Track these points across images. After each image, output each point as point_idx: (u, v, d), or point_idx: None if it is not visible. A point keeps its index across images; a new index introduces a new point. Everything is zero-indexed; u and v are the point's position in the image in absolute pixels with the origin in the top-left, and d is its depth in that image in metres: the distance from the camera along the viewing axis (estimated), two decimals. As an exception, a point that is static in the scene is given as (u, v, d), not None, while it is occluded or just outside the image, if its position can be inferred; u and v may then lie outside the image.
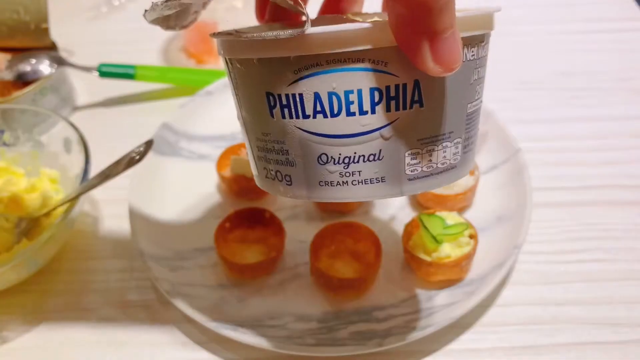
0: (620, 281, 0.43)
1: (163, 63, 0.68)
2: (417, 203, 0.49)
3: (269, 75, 0.25)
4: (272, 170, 0.28)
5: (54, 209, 0.46)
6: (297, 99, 0.24)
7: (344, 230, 0.44)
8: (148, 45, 0.70)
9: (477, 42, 0.25)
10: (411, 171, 0.26)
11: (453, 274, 0.42)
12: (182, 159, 0.54)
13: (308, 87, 0.24)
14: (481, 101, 0.28)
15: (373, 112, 0.24)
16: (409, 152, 0.25)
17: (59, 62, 0.59)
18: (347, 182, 0.26)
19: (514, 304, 0.42)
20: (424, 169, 0.26)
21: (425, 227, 0.42)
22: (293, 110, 0.25)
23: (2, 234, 0.44)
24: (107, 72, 0.61)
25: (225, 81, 0.59)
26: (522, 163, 0.48)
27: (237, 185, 0.49)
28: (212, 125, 0.56)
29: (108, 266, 0.47)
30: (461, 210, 0.47)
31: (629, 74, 0.61)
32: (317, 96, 0.24)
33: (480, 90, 0.27)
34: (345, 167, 0.25)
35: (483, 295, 0.40)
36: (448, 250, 0.41)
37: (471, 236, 0.42)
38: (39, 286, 0.46)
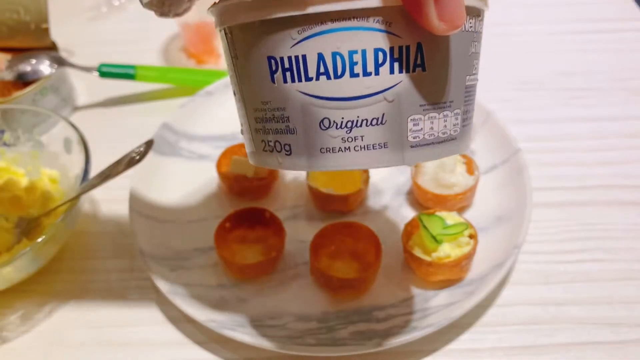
0: (620, 281, 0.43)
1: (163, 63, 0.68)
2: (417, 203, 0.49)
3: (272, 38, 0.25)
4: (270, 141, 0.27)
5: (54, 209, 0.46)
6: (300, 61, 0.24)
7: (344, 230, 0.44)
8: (148, 45, 0.70)
9: (474, 14, 0.26)
10: (413, 137, 0.25)
11: (453, 273, 0.42)
12: (182, 159, 0.54)
13: (312, 48, 0.24)
14: (477, 78, 0.28)
15: (377, 73, 0.24)
16: (412, 117, 0.25)
17: (59, 62, 0.59)
18: (349, 147, 0.25)
19: (514, 304, 0.42)
20: (426, 136, 0.26)
21: (425, 227, 0.42)
22: (295, 73, 0.25)
23: (2, 234, 0.44)
24: (107, 72, 0.61)
25: (225, 81, 0.59)
26: (522, 163, 0.48)
27: (237, 185, 0.49)
28: (212, 125, 0.56)
29: (108, 266, 0.47)
30: (461, 210, 0.47)
31: (629, 74, 0.61)
32: (320, 57, 0.24)
33: (476, 65, 0.28)
34: (348, 132, 0.25)
35: (483, 295, 0.40)
36: (448, 250, 0.41)
37: (471, 236, 0.42)
38: (39, 286, 0.46)
